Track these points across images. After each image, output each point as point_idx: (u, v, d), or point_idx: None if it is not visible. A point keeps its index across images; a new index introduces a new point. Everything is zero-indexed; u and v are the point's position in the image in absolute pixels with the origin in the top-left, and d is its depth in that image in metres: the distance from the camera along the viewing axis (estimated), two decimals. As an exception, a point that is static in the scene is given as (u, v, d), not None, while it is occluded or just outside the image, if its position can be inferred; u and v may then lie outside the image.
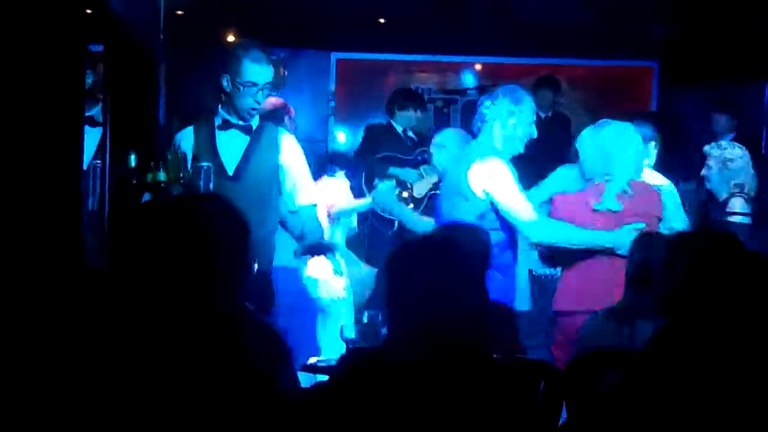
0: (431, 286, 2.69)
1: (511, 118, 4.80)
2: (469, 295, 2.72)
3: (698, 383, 2.45)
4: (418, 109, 7.78)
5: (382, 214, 6.54)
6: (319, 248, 4.93)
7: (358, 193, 6.85)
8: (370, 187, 7.06)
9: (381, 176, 6.98)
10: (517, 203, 4.68)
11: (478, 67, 9.67)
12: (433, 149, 6.05)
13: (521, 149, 4.90)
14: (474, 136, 4.95)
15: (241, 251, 2.64)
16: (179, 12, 7.58)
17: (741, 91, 8.24)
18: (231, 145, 4.76)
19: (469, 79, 9.64)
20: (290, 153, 4.80)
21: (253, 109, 4.69)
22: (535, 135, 4.93)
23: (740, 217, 5.25)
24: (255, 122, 4.79)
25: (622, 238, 4.55)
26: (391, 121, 7.77)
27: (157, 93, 6.23)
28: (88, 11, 4.42)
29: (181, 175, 4.38)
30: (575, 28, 8.42)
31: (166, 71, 6.79)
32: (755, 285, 2.57)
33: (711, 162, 5.47)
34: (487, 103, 4.85)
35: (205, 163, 4.48)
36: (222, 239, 2.58)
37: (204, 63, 9.06)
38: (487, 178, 4.67)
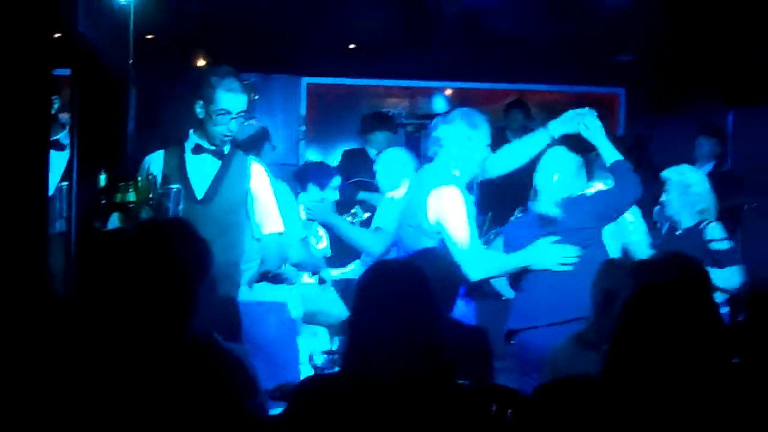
0: (392, 309, 2.69)
1: (468, 142, 4.73)
2: (430, 320, 2.72)
3: (639, 411, 2.47)
4: (387, 131, 7.78)
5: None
6: (274, 278, 4.92)
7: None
8: (342, 214, 7.07)
9: (351, 202, 6.96)
10: (463, 238, 4.56)
11: (448, 92, 9.73)
12: (377, 169, 6.03)
13: (477, 172, 4.87)
14: (428, 160, 4.88)
15: (202, 278, 2.63)
16: (149, 36, 7.57)
17: (704, 116, 8.33)
18: (201, 170, 4.75)
19: (439, 104, 9.69)
20: (259, 181, 4.81)
21: (226, 136, 4.69)
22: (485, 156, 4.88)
23: (722, 242, 5.30)
24: (226, 148, 4.80)
25: (535, 254, 4.61)
26: (365, 146, 7.78)
27: (126, 116, 6.22)
28: (56, 35, 4.41)
29: (151, 196, 4.36)
30: (544, 53, 8.50)
31: (136, 95, 6.78)
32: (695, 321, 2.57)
33: (670, 187, 5.51)
34: (443, 126, 4.78)
35: (175, 186, 4.47)
36: (184, 266, 2.58)
37: (175, 87, 9.10)
38: (441, 208, 4.58)
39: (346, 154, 8.01)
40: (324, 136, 9.59)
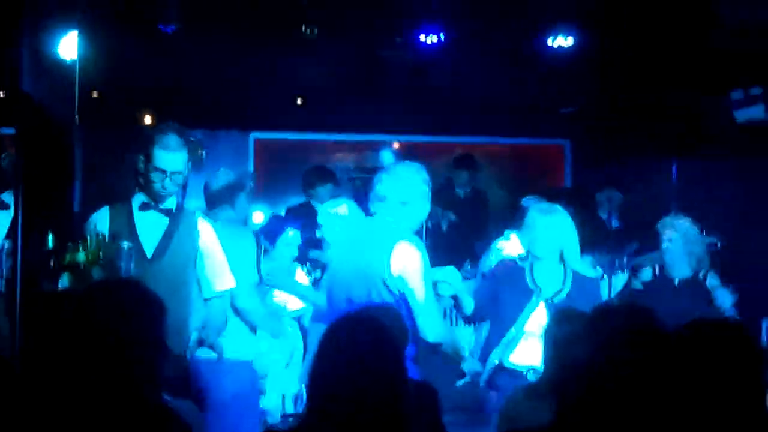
0: (349, 365, 2.68)
1: (412, 196, 4.72)
2: (387, 376, 2.71)
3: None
4: (328, 184, 7.80)
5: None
6: (212, 346, 4.88)
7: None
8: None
9: (303, 259, 6.91)
10: (424, 296, 4.52)
11: (395, 145, 9.79)
12: (323, 219, 5.98)
13: (418, 226, 4.87)
14: (369, 213, 4.76)
15: (157, 339, 2.60)
16: (95, 93, 7.55)
17: (651, 167, 8.47)
18: (150, 227, 4.69)
19: (387, 158, 9.73)
20: (208, 238, 4.78)
21: (162, 194, 4.65)
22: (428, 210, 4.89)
23: (722, 290, 5.45)
24: (173, 204, 4.77)
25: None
26: (310, 201, 7.78)
27: (72, 174, 6.17)
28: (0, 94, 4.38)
29: (101, 255, 4.31)
30: (489, 106, 8.61)
31: (82, 152, 6.73)
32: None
33: (673, 234, 5.57)
34: (387, 180, 4.76)
35: (126, 244, 4.43)
36: (140, 329, 2.54)
37: (120, 144, 9.06)
38: (406, 263, 4.51)
39: (292, 211, 7.99)
40: (273, 191, 9.56)
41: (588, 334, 3.16)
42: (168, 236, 4.68)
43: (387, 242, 4.54)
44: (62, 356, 2.55)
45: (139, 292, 2.67)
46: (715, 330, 2.89)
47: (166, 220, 4.71)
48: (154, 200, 4.69)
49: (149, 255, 4.62)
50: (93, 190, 7.99)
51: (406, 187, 4.65)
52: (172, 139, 4.61)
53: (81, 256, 4.29)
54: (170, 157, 4.61)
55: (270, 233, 6.05)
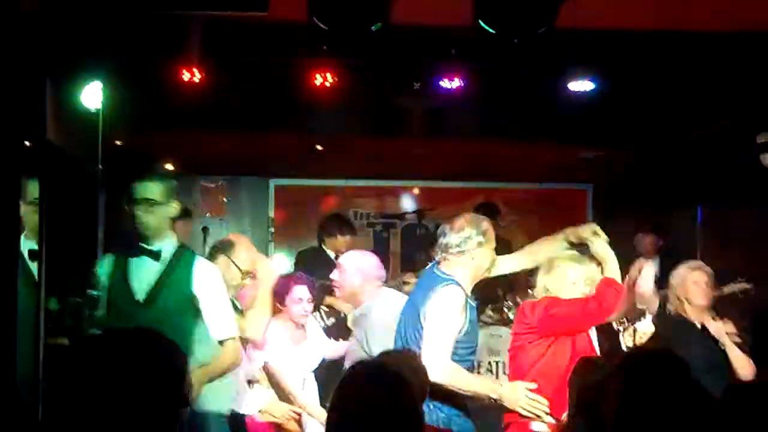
0: (365, 416, 2.66)
1: (479, 248, 4.76)
2: (404, 426, 2.68)
3: None
4: (346, 234, 7.78)
5: None
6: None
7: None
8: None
9: (316, 306, 6.88)
10: (438, 339, 4.54)
11: (416, 191, 9.80)
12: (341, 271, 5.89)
13: (485, 275, 4.89)
14: (433, 265, 4.84)
15: (177, 387, 2.58)
16: (118, 142, 7.61)
17: (674, 212, 8.44)
18: (142, 271, 4.61)
19: (407, 203, 9.74)
20: (206, 283, 4.66)
21: (145, 232, 4.59)
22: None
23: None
24: (166, 245, 4.73)
25: (511, 393, 4.63)
26: (323, 246, 7.78)
27: (95, 222, 6.21)
28: (26, 143, 4.42)
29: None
30: (509, 151, 8.62)
31: (105, 201, 6.78)
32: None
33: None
34: (452, 234, 4.75)
35: (94, 292, 4.43)
36: (156, 376, 2.53)
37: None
38: (434, 303, 4.58)
39: (304, 255, 7.98)
40: (293, 236, 9.58)
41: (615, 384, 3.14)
42: (161, 281, 4.64)
43: (432, 287, 4.64)
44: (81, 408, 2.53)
45: (151, 340, 2.65)
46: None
47: (158, 264, 4.66)
48: (143, 241, 4.64)
49: (141, 299, 4.58)
50: (116, 238, 8.04)
51: (474, 239, 4.72)
52: (148, 170, 4.62)
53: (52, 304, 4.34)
54: (144, 185, 4.60)
55: (277, 294, 5.96)
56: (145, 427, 2.45)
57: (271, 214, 9.66)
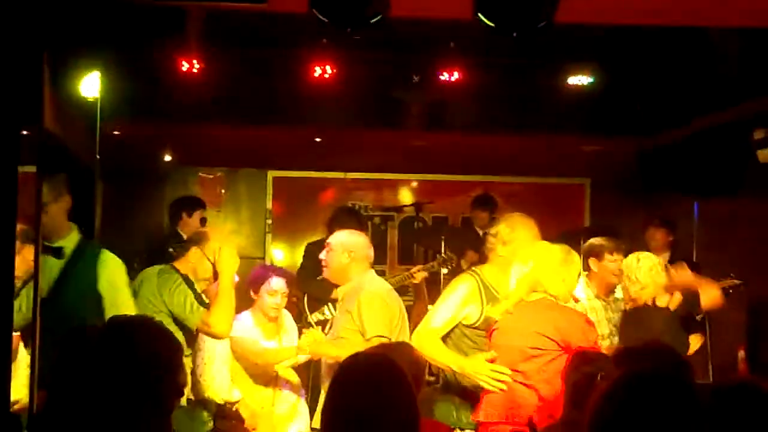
0: (361, 409, 2.66)
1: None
2: (406, 418, 2.69)
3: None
4: (357, 227, 7.68)
5: None
6: None
7: (297, 316, 6.71)
8: (312, 310, 6.94)
9: (322, 299, 6.85)
10: (433, 313, 5.01)
11: (414, 184, 9.80)
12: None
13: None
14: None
15: (173, 376, 2.58)
16: (115, 132, 7.60)
17: (671, 207, 8.43)
18: (46, 268, 4.57)
19: (405, 196, 9.73)
20: (108, 277, 4.66)
21: (47, 232, 4.55)
22: None
23: None
24: (69, 244, 4.70)
25: (473, 366, 4.75)
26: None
27: (93, 211, 6.20)
28: (23, 132, 4.41)
29: None
30: (508, 145, 8.61)
31: (102, 190, 6.77)
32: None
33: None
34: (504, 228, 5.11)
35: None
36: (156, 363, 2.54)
37: (139, 182, 9.12)
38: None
39: (313, 247, 7.86)
40: (290, 228, 9.58)
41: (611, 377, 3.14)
42: (62, 277, 4.62)
43: None
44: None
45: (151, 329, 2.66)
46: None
47: (60, 261, 4.63)
48: (46, 239, 4.59)
49: (45, 296, 4.53)
50: (112, 224, 8.05)
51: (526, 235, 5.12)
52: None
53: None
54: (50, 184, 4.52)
55: (253, 282, 5.98)
56: (142, 416, 2.47)
57: (269, 206, 9.65)
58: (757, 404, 2.72)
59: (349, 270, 5.40)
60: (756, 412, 2.69)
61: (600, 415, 2.47)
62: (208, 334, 5.07)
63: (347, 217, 7.65)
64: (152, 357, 2.57)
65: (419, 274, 7.27)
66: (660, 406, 2.40)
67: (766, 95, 6.80)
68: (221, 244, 5.23)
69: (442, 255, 7.29)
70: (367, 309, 5.14)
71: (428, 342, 4.85)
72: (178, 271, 5.13)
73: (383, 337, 5.03)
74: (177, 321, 4.92)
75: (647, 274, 5.51)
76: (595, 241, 6.04)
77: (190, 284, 5.05)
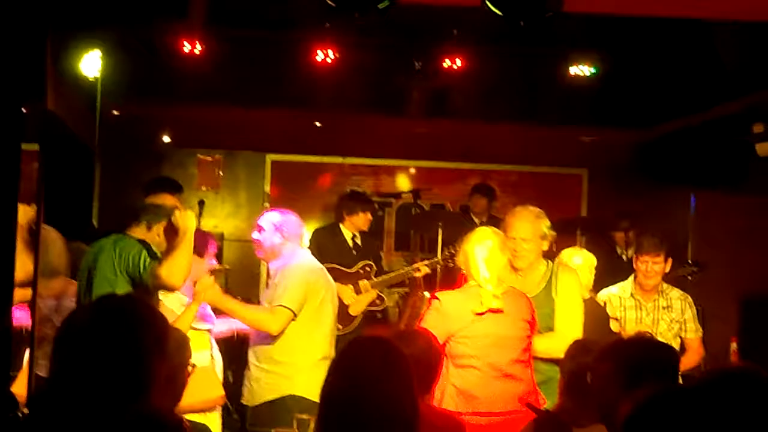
0: (362, 387, 2.68)
1: None
2: (402, 400, 2.71)
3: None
4: (367, 211, 7.62)
5: None
6: None
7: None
8: None
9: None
10: None
11: (412, 170, 9.80)
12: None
13: None
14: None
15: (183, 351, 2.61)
16: (115, 112, 7.60)
17: (668, 199, 8.45)
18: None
19: (404, 183, 9.74)
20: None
21: None
22: None
23: None
24: None
25: None
26: (340, 225, 7.66)
27: (92, 190, 6.22)
28: (24, 110, 4.40)
29: None
30: (507, 133, 8.63)
31: (101, 168, 6.78)
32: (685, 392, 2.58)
33: None
34: None
35: None
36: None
37: (137, 161, 9.11)
38: None
39: (320, 233, 7.78)
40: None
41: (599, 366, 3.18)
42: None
43: None
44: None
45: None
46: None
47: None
48: None
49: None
50: (110, 205, 8.05)
51: None
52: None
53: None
54: None
55: (197, 246, 5.84)
56: (159, 386, 2.51)
57: (267, 189, 9.65)
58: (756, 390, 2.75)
59: (282, 248, 5.44)
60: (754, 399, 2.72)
61: None
62: (159, 286, 4.95)
63: (355, 202, 7.63)
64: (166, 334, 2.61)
65: (424, 269, 7.25)
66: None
67: (765, 89, 6.82)
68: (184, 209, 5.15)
69: (447, 251, 7.26)
70: (284, 279, 5.22)
71: None
72: (132, 237, 5.04)
73: (285, 308, 5.10)
74: (135, 283, 4.83)
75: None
76: (639, 239, 6.00)
77: (145, 245, 4.96)
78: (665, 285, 5.70)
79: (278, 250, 5.46)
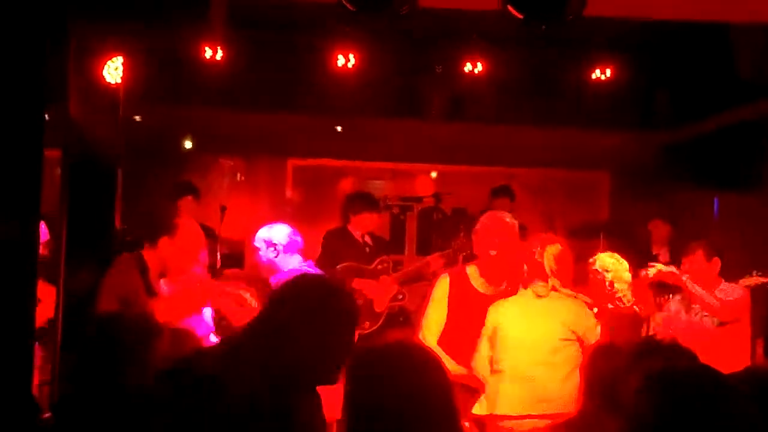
0: (400, 400, 2.48)
1: None
2: (441, 413, 2.58)
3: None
4: (374, 212, 7.62)
5: None
6: None
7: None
8: None
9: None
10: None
11: (433, 174, 9.79)
12: None
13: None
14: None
15: None
16: (137, 118, 7.63)
17: (691, 202, 8.40)
18: None
19: (425, 186, 9.72)
20: None
21: None
22: None
23: None
24: None
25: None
26: (348, 226, 7.64)
27: (114, 196, 6.23)
28: (47, 116, 4.43)
29: None
30: (529, 136, 8.60)
31: (123, 174, 6.79)
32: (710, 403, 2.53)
33: None
34: None
35: None
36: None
37: (159, 167, 9.14)
38: None
39: (330, 236, 7.79)
40: (309, 217, 9.58)
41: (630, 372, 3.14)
42: None
43: None
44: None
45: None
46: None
47: None
48: None
49: None
50: (133, 211, 8.07)
51: None
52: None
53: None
54: None
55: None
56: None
57: (288, 194, 9.66)
58: None
59: (279, 262, 5.46)
60: None
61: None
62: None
63: (359, 202, 7.60)
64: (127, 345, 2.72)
65: (436, 263, 7.23)
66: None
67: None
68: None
69: (459, 239, 7.23)
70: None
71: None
72: (142, 259, 5.02)
73: None
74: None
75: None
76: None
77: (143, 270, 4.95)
78: None
79: (275, 265, 5.43)
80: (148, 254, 5.00)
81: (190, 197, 7.58)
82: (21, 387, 3.87)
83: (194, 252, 5.05)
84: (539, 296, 4.85)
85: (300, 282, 2.88)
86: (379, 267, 7.17)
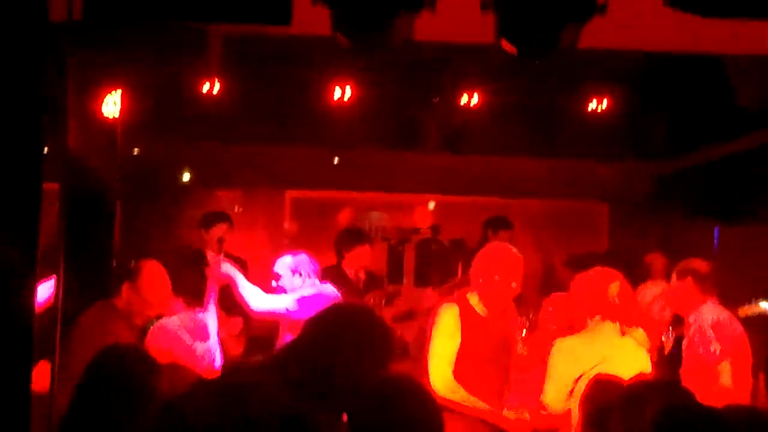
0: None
1: None
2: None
3: None
4: (365, 245, 7.63)
5: None
6: None
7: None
8: None
9: None
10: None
11: (431, 205, 9.79)
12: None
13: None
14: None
15: None
16: (135, 151, 7.66)
17: (691, 233, 8.40)
18: None
19: (422, 218, 9.71)
20: None
21: None
22: None
23: None
24: None
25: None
26: (342, 263, 7.53)
27: (112, 229, 6.24)
28: (46, 150, 4.44)
29: None
30: (527, 167, 8.62)
31: (122, 208, 6.81)
32: None
33: None
34: None
35: None
36: None
37: (158, 200, 9.16)
38: None
39: (324, 272, 7.79)
40: (307, 249, 9.56)
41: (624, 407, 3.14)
42: None
43: None
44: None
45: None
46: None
47: None
48: None
49: None
50: (131, 244, 8.07)
51: None
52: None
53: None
54: None
55: None
56: None
57: (286, 225, 9.67)
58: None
59: (305, 286, 5.77)
60: None
61: None
62: None
63: (349, 238, 7.64)
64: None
65: (430, 299, 7.24)
66: None
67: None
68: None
69: (458, 278, 7.25)
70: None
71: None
72: (116, 307, 5.01)
73: None
74: None
75: None
76: None
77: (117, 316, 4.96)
78: None
79: (299, 289, 5.53)
80: (118, 300, 5.01)
81: (225, 225, 7.60)
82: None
83: (157, 295, 5.03)
84: (621, 335, 4.87)
85: (347, 309, 2.99)
86: (372, 302, 7.18)
